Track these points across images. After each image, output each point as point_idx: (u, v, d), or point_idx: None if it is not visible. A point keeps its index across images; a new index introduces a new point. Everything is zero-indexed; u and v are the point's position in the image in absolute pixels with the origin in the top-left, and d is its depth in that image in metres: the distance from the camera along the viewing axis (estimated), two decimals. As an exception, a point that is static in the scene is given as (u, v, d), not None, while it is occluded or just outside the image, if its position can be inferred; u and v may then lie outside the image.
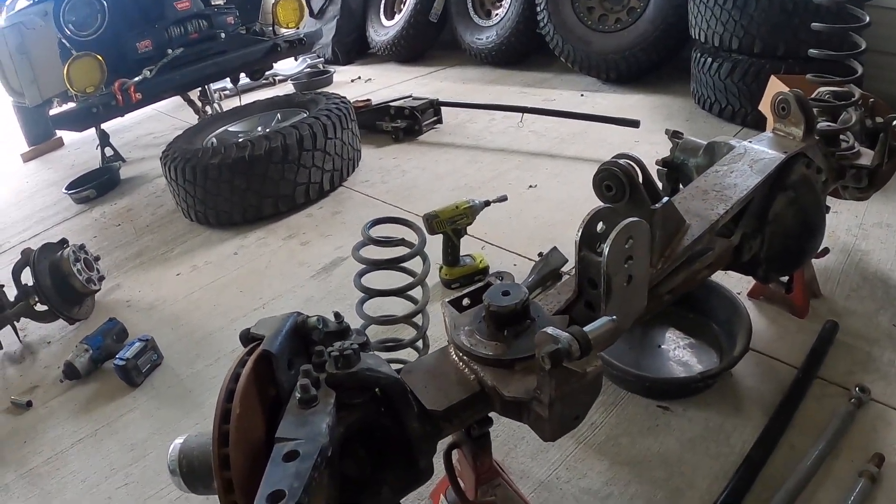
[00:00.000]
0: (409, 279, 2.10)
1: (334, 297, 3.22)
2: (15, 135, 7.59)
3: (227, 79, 6.24)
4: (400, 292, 2.07)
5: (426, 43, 7.74)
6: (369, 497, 1.28)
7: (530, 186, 4.01)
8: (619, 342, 1.55)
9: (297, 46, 5.94)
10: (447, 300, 1.55)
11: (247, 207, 4.19)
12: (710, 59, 4.37)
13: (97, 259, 3.65)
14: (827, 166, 2.15)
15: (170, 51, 5.16)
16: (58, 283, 3.37)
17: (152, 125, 7.27)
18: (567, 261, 2.65)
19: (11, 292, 3.37)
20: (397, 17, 7.68)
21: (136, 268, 4.03)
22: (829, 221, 2.20)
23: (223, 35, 5.62)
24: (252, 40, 5.84)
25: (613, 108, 4.98)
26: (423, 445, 1.30)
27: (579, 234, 1.43)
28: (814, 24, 2.71)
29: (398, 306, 2.17)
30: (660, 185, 2.13)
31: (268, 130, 4.38)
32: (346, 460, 1.25)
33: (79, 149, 6.96)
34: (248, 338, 1.31)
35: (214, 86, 6.59)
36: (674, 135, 2.35)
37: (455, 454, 1.67)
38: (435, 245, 2.82)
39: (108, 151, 6.08)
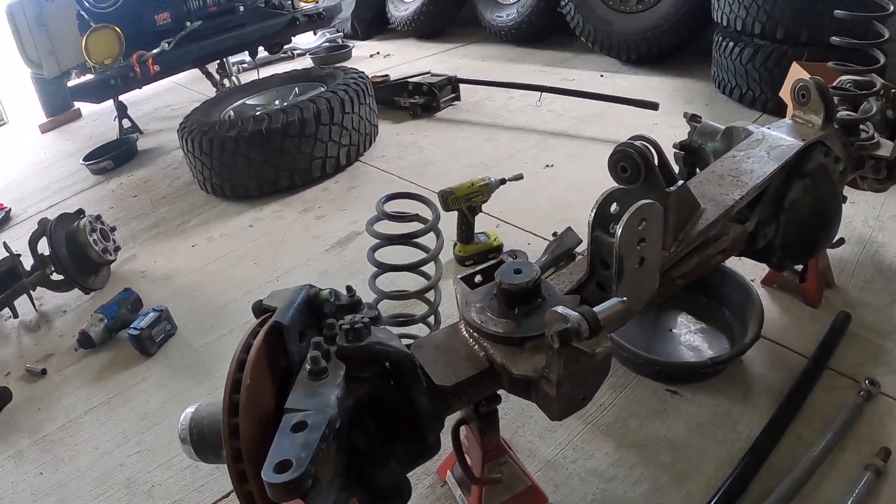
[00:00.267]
0: (423, 255, 2.10)
1: (348, 271, 3.23)
2: (33, 106, 7.61)
3: (246, 52, 6.23)
4: (413, 267, 2.07)
5: (446, 19, 7.71)
6: (377, 470, 1.29)
7: (547, 166, 3.99)
8: (630, 324, 1.55)
9: (315, 21, 5.93)
10: (459, 276, 1.55)
11: (263, 180, 4.20)
12: (732, 44, 4.31)
13: (113, 229, 3.68)
14: (845, 156, 2.12)
15: (188, 23, 5.17)
16: (74, 252, 3.40)
17: (170, 97, 7.28)
18: (581, 241, 2.64)
19: (28, 262, 3.40)
20: (417, -8, 7.63)
21: (152, 239, 4.06)
22: (845, 212, 2.18)
23: (242, 8, 5.62)
24: (271, 14, 5.84)
25: (633, 89, 4.94)
26: (431, 420, 1.32)
27: (592, 214, 1.43)
28: (837, 11, 2.67)
29: (411, 282, 2.18)
30: (676, 168, 2.11)
31: (285, 104, 4.37)
32: (354, 433, 1.26)
33: (96, 120, 6.98)
34: (260, 309, 1.32)
35: (232, 59, 6.59)
36: (692, 118, 2.33)
37: (463, 430, 1.68)
38: (449, 222, 2.82)
39: (126, 123, 6.11)
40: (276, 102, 4.82)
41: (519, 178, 3.07)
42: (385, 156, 4.60)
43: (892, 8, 2.51)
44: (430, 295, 2.13)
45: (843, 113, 2.16)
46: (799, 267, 2.45)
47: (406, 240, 2.07)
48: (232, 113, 4.80)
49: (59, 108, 7.38)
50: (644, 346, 2.28)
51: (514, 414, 2.18)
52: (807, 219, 1.98)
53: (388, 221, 2.11)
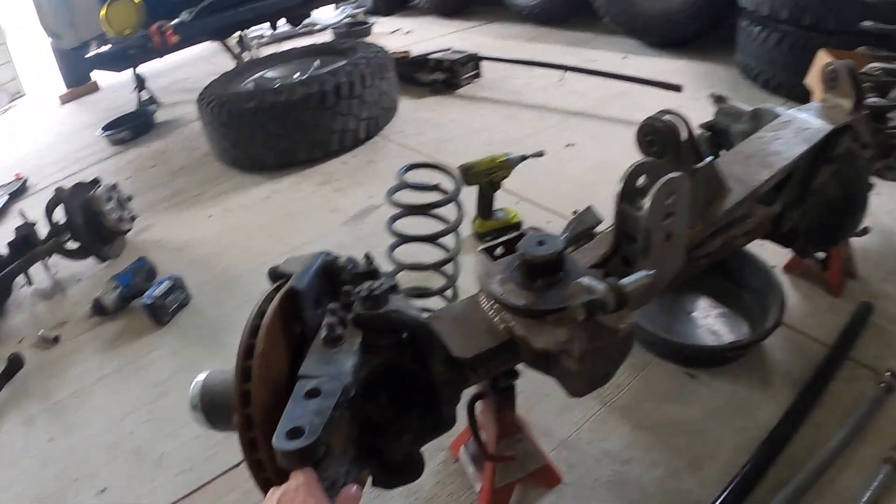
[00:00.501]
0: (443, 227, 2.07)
1: (365, 244, 3.18)
2: (53, 78, 7.63)
3: (266, 24, 6.20)
4: (432, 238, 2.04)
5: (468, -3, 7.62)
6: (390, 442, 1.26)
7: (567, 145, 3.95)
8: (649, 306, 1.51)
9: (337, -7, 5.89)
10: (480, 247, 1.52)
11: (281, 152, 4.18)
12: (758, 29, 4.23)
13: (129, 198, 3.66)
14: (873, 143, 2.07)
15: (208, -7, 5.14)
16: (90, 221, 3.39)
17: (189, 70, 7.28)
18: (602, 221, 2.61)
19: (44, 231, 3.39)
20: (440, -31, 7.56)
21: (169, 209, 4.05)
22: (870, 201, 2.14)
23: (262, -21, 5.58)
24: (292, -15, 5.80)
25: (656, 72, 4.85)
26: (447, 392, 1.28)
27: (620, 186, 1.39)
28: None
29: (430, 257, 2.16)
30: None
31: (305, 77, 4.35)
32: (368, 404, 1.22)
33: (115, 92, 7.00)
34: (276, 275, 1.29)
35: (251, 34, 6.56)
36: (718, 99, 2.29)
37: (478, 406, 1.65)
38: (468, 198, 2.77)
39: (145, 95, 6.11)
40: (296, 75, 4.79)
41: (540, 155, 3.03)
42: (404, 131, 4.57)
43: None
44: (449, 269, 2.10)
45: (872, 99, 2.12)
46: (822, 255, 2.40)
47: (426, 210, 2.04)
48: (251, 84, 4.77)
49: (79, 80, 7.40)
50: (663, 329, 2.25)
51: (530, 391, 2.13)
52: (833, 204, 1.95)
53: (409, 191, 2.07)
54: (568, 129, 4.20)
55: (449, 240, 2.08)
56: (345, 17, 7.93)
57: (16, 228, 3.37)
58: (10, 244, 3.37)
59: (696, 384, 2.14)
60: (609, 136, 4.01)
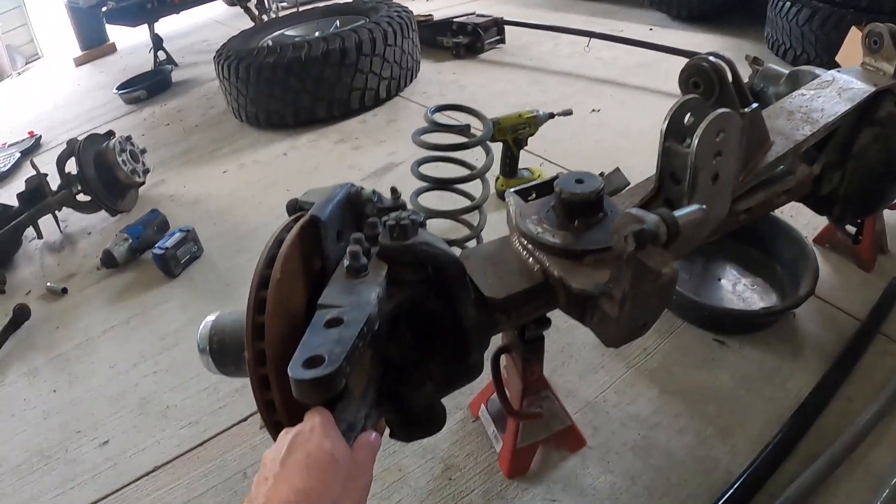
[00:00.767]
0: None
1: (385, 200, 3.14)
2: (68, 40, 7.58)
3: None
4: (459, 181, 1.95)
5: (492, -37, 7.47)
6: (412, 389, 1.17)
7: (593, 110, 3.87)
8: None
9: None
10: (512, 189, 1.43)
11: (299, 109, 4.11)
12: (788, 4, 4.13)
13: (143, 151, 3.59)
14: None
15: (229, -53, 5.06)
16: (102, 173, 3.32)
17: (207, 33, 7.22)
18: (629, 184, 2.53)
19: (56, 184, 3.33)
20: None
21: (183, 165, 4.00)
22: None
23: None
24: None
25: (682, 44, 4.73)
26: (476, 335, 1.18)
27: (666, 122, 1.30)
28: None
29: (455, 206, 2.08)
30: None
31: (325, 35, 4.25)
32: (390, 343, 1.13)
33: (132, 54, 6.96)
34: (295, 207, 1.20)
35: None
36: (754, 61, 2.24)
37: (503, 360, 1.57)
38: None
39: (161, 55, 6.05)
40: (316, 34, 4.69)
41: (568, 113, 2.94)
42: (426, 92, 4.50)
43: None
44: (474, 217, 2.01)
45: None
46: (853, 230, 2.32)
47: (455, 149, 1.95)
48: (270, 41, 4.69)
49: (95, 41, 7.34)
50: (692, 294, 2.17)
51: (555, 351, 2.08)
52: (874, 168, 1.87)
53: (437, 133, 1.99)
54: (594, 95, 4.12)
55: (475, 186, 1.99)
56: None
57: (26, 180, 3.31)
58: (20, 195, 3.32)
59: (726, 351, 2.07)
60: (635, 103, 3.93)
